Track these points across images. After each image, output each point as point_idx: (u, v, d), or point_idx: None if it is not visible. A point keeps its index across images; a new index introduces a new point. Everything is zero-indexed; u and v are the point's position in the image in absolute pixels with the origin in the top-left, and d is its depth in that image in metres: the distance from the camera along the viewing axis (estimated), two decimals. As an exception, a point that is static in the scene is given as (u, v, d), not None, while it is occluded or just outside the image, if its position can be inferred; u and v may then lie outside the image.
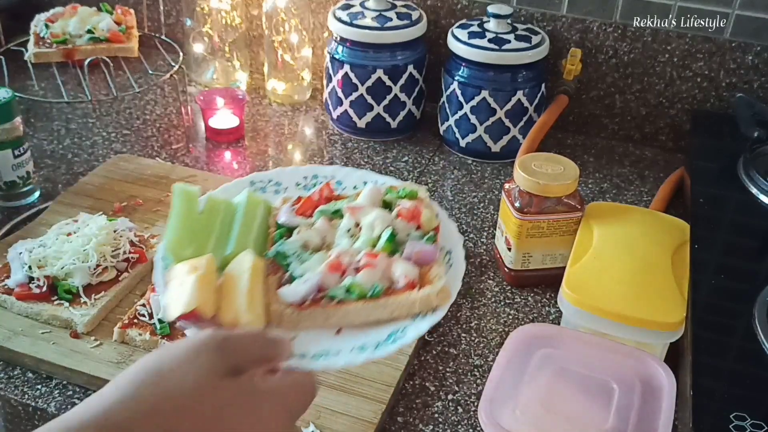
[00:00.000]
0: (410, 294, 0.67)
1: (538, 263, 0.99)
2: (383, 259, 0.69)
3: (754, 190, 1.00)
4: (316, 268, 0.68)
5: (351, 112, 1.30)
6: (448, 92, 1.25)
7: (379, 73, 1.25)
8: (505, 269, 1.01)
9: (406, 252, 0.70)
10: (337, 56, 1.27)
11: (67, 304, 0.89)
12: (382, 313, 0.67)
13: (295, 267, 0.70)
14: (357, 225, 0.73)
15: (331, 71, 1.29)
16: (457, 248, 0.74)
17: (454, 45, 1.22)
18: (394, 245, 0.71)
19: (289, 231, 0.73)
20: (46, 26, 1.28)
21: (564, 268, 0.90)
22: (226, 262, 0.69)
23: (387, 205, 0.75)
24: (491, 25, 1.23)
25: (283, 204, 0.77)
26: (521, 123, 1.23)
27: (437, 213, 0.76)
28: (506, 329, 0.94)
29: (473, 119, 1.23)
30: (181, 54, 1.36)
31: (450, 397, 0.85)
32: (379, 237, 0.71)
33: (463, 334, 0.93)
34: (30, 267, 0.91)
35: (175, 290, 0.63)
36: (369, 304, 0.67)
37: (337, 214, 0.75)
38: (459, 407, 0.84)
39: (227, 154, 1.27)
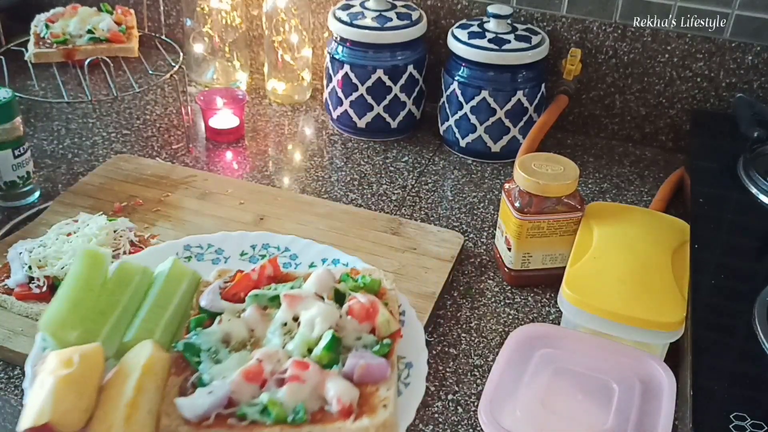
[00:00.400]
0: (343, 424, 0.52)
1: (538, 263, 0.99)
2: (315, 371, 0.54)
3: (754, 190, 1.00)
4: (230, 374, 0.53)
5: (351, 112, 1.30)
6: (448, 92, 1.25)
7: (379, 73, 1.25)
8: (505, 269, 1.01)
9: (349, 364, 0.55)
10: (337, 56, 1.27)
11: (67, 304, 0.89)
12: None
13: (206, 368, 0.54)
14: (296, 319, 0.58)
15: (331, 71, 1.29)
16: (419, 361, 0.60)
17: (454, 45, 1.22)
18: (335, 353, 0.55)
19: (211, 318, 0.58)
20: (47, 26, 1.29)
21: (564, 268, 0.90)
22: (124, 350, 0.55)
23: (339, 297, 0.60)
24: (491, 25, 1.23)
25: (218, 278, 0.62)
26: (521, 123, 1.23)
27: (402, 310, 0.62)
28: (506, 329, 0.94)
29: (473, 119, 1.23)
30: (181, 54, 1.36)
31: (450, 397, 0.85)
32: (318, 339, 0.56)
33: (463, 334, 0.93)
34: (30, 267, 0.91)
35: (37, 390, 0.50)
36: (288, 431, 0.51)
37: (275, 302, 0.59)
38: (459, 407, 0.84)
39: (227, 154, 1.27)
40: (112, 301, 0.57)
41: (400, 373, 0.58)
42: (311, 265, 0.66)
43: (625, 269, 0.89)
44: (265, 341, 0.57)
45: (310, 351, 0.55)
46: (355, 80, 1.27)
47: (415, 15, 1.27)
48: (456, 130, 1.26)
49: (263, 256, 0.67)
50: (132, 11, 1.38)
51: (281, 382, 0.53)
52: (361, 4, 1.29)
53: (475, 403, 0.84)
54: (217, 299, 0.59)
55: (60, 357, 0.51)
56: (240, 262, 0.66)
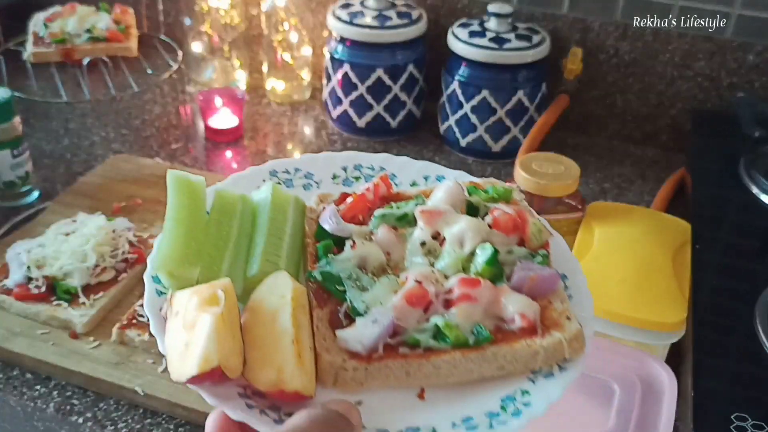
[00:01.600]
0: (531, 342, 0.48)
1: (538, 263, 0.98)
2: (488, 288, 0.49)
3: (755, 190, 1.00)
4: (385, 300, 0.48)
5: (351, 111, 1.29)
6: (449, 92, 1.25)
7: (379, 72, 1.25)
8: (506, 269, 1.00)
9: (517, 278, 0.50)
10: (336, 55, 1.27)
11: (66, 304, 0.89)
12: (486, 369, 0.48)
13: (354, 296, 0.49)
14: (436, 237, 0.53)
15: (330, 70, 1.29)
16: (575, 272, 0.55)
17: (454, 44, 1.22)
18: (498, 268, 0.51)
19: (337, 243, 0.53)
20: (45, 26, 1.28)
21: (565, 268, 0.90)
22: (248, 288, 0.50)
23: (473, 210, 0.55)
24: (492, 24, 1.23)
25: (321, 203, 0.57)
26: (522, 123, 1.23)
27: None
28: (507, 330, 0.94)
29: (473, 119, 1.23)
30: (180, 53, 1.36)
31: (450, 397, 0.85)
32: (471, 256, 0.51)
33: (464, 335, 0.93)
34: (29, 267, 0.90)
35: (179, 334, 0.45)
36: (471, 355, 0.47)
37: (404, 221, 0.54)
38: (459, 408, 0.83)
39: (226, 154, 1.27)
40: (222, 233, 0.52)
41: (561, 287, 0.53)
42: (413, 184, 0.60)
43: (626, 269, 0.88)
44: (407, 263, 0.52)
45: (464, 270, 0.51)
46: (354, 80, 1.26)
47: (415, 14, 1.27)
48: (456, 129, 1.26)
49: (357, 178, 0.61)
50: (131, 10, 1.38)
51: (448, 304, 0.49)
52: (361, 3, 1.29)
53: (476, 404, 0.84)
54: (341, 222, 0.54)
55: (199, 294, 0.45)
56: (333, 185, 0.60)
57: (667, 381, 0.78)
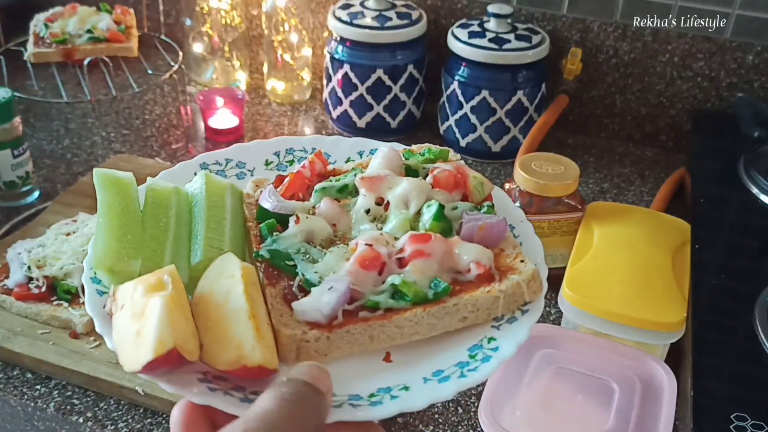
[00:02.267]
0: (490, 288, 0.47)
1: (538, 263, 0.98)
2: (439, 241, 0.48)
3: (754, 190, 1.00)
4: (339, 268, 0.48)
5: (351, 111, 1.29)
6: (448, 92, 1.25)
7: (379, 72, 1.25)
8: (506, 269, 1.00)
9: (467, 228, 0.50)
10: (336, 56, 1.27)
11: (66, 304, 0.89)
12: (449, 322, 0.47)
13: (306, 269, 0.48)
14: (379, 203, 0.53)
15: (330, 71, 1.29)
16: (521, 222, 0.54)
17: (454, 45, 1.22)
18: (446, 222, 0.51)
19: (280, 222, 0.52)
20: (46, 26, 1.28)
21: (564, 268, 0.90)
22: (194, 277, 0.48)
23: (412, 173, 0.55)
24: (491, 24, 1.23)
25: (257, 188, 0.57)
26: (521, 123, 1.23)
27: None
28: (506, 329, 0.94)
29: (473, 119, 1.23)
30: (180, 54, 1.36)
31: (450, 397, 0.85)
32: (417, 216, 0.51)
33: (463, 335, 0.93)
34: (29, 267, 0.90)
35: (128, 325, 0.42)
36: (432, 309, 0.47)
37: (345, 191, 0.54)
38: (459, 407, 0.84)
39: (227, 154, 1.27)
40: (159, 225, 0.50)
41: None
42: (347, 160, 0.60)
43: (626, 269, 0.88)
44: (354, 233, 0.51)
45: (412, 230, 0.50)
46: (355, 80, 1.26)
47: (415, 14, 1.27)
48: (456, 129, 1.26)
49: (290, 162, 0.60)
50: (131, 11, 1.38)
51: (402, 264, 0.48)
52: (361, 4, 1.29)
53: (475, 404, 0.84)
54: (282, 200, 0.53)
55: (144, 283, 0.43)
56: (267, 172, 0.59)
57: (666, 381, 0.78)
